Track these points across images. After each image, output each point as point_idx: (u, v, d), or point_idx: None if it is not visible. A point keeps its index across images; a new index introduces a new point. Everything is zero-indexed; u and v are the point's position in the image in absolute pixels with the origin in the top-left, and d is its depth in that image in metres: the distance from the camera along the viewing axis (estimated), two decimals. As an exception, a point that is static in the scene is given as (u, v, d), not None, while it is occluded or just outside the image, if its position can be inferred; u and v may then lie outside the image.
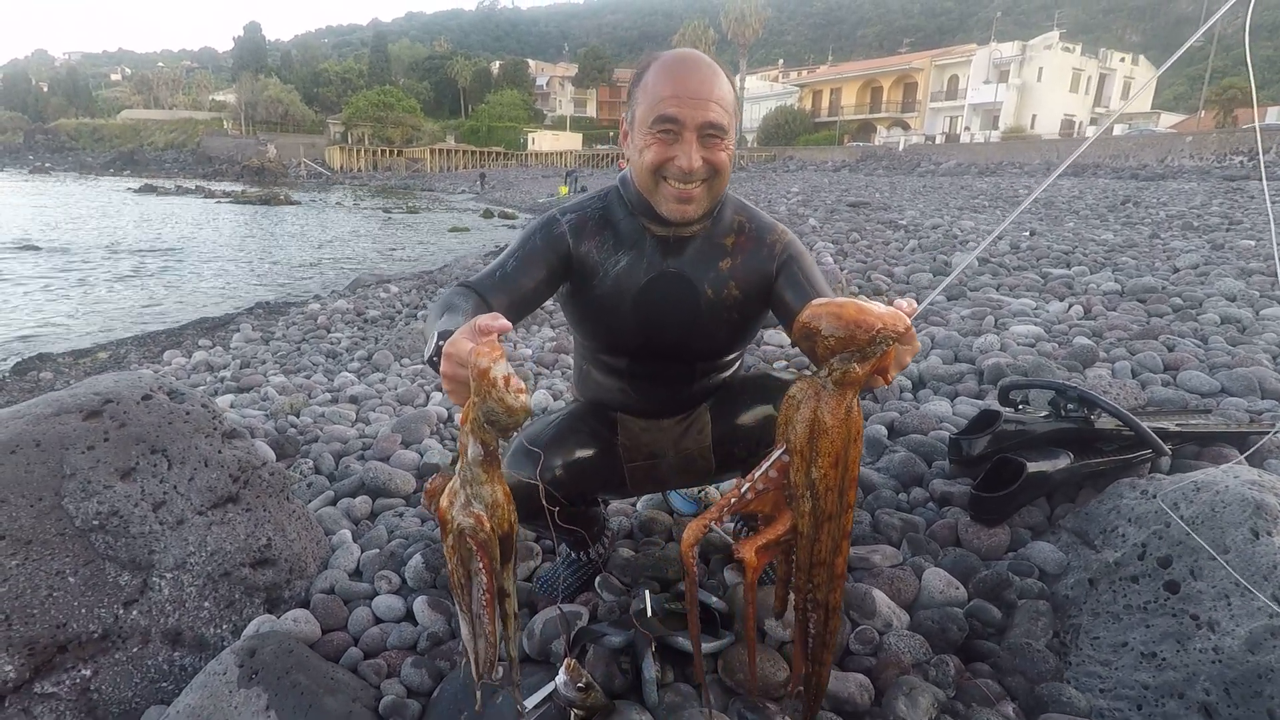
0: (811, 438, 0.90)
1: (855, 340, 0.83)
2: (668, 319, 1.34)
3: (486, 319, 0.86)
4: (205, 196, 27.26)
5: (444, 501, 0.92)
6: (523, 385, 0.81)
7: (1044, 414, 1.91)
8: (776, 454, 0.94)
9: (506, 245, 1.41)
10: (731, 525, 1.50)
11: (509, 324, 0.87)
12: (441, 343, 0.97)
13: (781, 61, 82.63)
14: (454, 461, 0.92)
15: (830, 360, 0.86)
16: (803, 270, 1.33)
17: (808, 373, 0.93)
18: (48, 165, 54.11)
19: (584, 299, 1.35)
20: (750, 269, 1.33)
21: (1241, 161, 18.86)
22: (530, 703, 1.23)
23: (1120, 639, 1.34)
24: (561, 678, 1.18)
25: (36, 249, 11.86)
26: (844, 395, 0.88)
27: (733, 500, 0.94)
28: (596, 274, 1.32)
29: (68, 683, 1.35)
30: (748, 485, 0.94)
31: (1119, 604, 1.40)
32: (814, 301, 0.88)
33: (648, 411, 1.49)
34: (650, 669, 1.28)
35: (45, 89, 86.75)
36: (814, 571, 0.97)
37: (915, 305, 0.90)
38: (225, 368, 4.45)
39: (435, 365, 0.98)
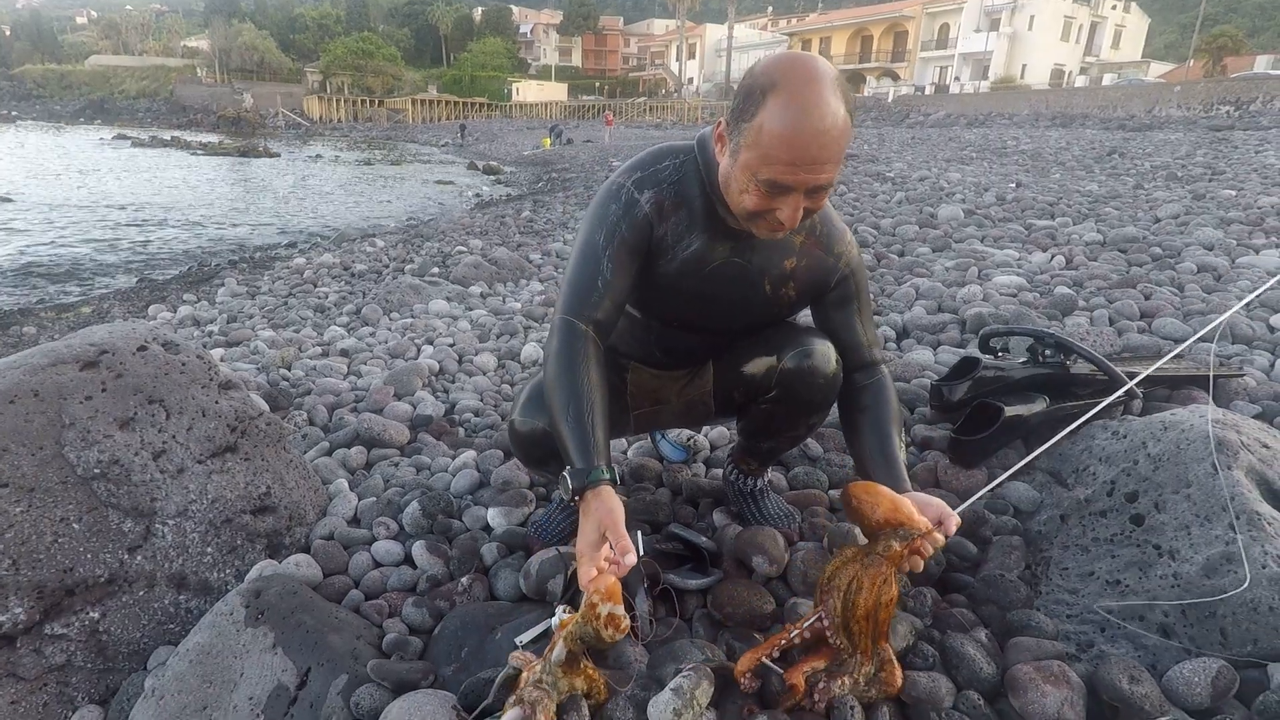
0: (849, 592, 1.12)
1: (890, 525, 1.12)
2: (720, 303, 1.33)
3: (614, 551, 1.04)
4: (181, 147, 26.57)
5: (525, 673, 1.09)
6: (625, 623, 1.01)
7: (1022, 360, 1.96)
8: (816, 614, 1.15)
9: (570, 233, 1.37)
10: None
11: (634, 558, 1.05)
12: (576, 497, 1.11)
13: (771, 9, 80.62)
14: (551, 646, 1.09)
15: (876, 535, 1.13)
16: (857, 290, 1.36)
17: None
18: (14, 114, 52.40)
19: (644, 275, 1.30)
20: (812, 274, 1.33)
21: (1228, 111, 18.83)
22: (524, 639, 1.29)
23: (1088, 569, 1.41)
24: (556, 620, 1.23)
25: (9, 201, 11.58)
26: (881, 565, 1.11)
27: (782, 641, 1.15)
28: (666, 254, 1.28)
29: (77, 624, 1.39)
30: (796, 630, 1.15)
31: (1088, 537, 1.48)
32: (861, 484, 1.15)
33: (663, 365, 1.51)
34: (643, 604, 1.34)
35: (8, 33, 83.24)
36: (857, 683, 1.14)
37: (956, 522, 1.17)
38: (212, 322, 4.43)
39: (574, 499, 1.12)
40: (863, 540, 1.21)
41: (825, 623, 1.14)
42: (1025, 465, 1.81)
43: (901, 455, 1.28)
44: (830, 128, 1.03)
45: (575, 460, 1.12)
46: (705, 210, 1.25)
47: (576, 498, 1.11)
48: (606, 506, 1.08)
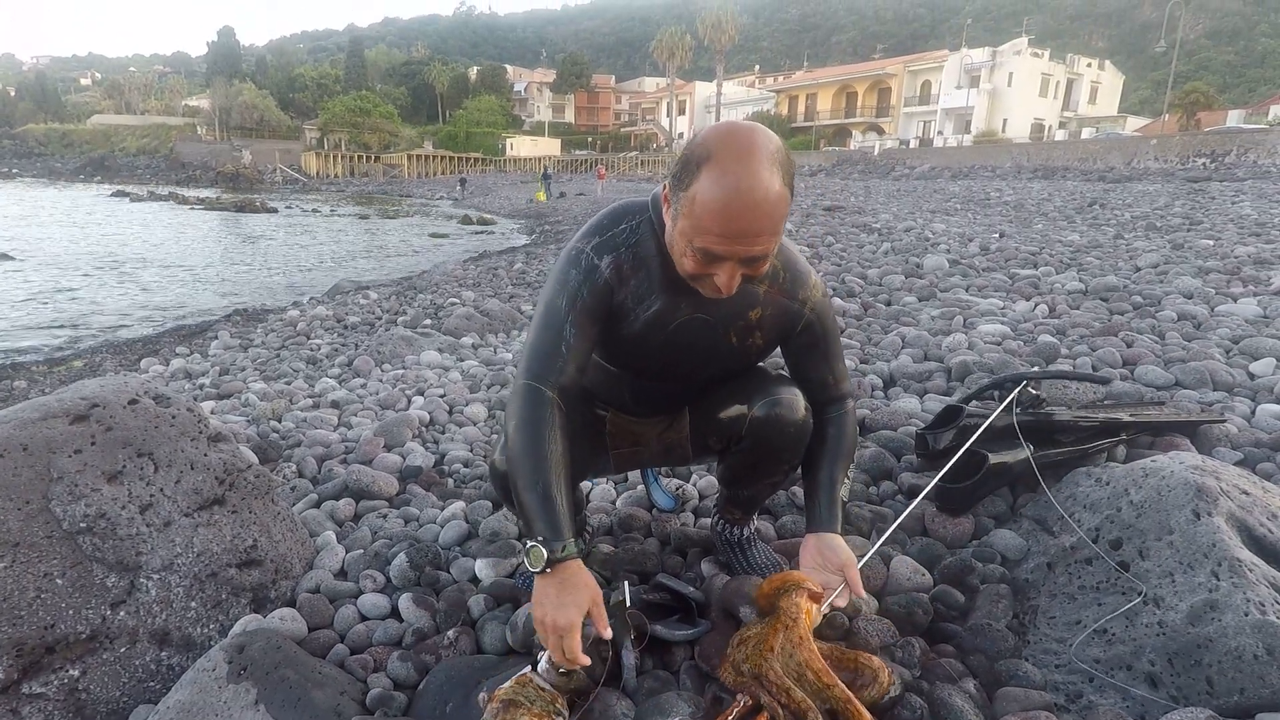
0: (762, 654, 1.20)
1: (775, 588, 1.29)
2: (688, 356, 1.35)
3: (595, 628, 1.16)
4: (179, 203, 26.90)
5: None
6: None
7: (1018, 409, 1.98)
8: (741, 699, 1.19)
9: (539, 294, 1.37)
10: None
11: (610, 633, 1.18)
12: (547, 569, 1.15)
13: (758, 67, 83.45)
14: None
15: (772, 606, 1.26)
16: (824, 332, 1.38)
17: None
18: (15, 171, 53.11)
19: (608, 336, 1.32)
20: (777, 322, 1.34)
21: (1204, 163, 19.38)
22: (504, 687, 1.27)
23: (1075, 617, 1.41)
24: (543, 665, 1.23)
25: (9, 258, 11.66)
26: (777, 622, 1.22)
27: (733, 713, 1.18)
28: (627, 318, 1.29)
29: (56, 683, 1.37)
30: (736, 709, 1.18)
31: (1074, 585, 1.48)
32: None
33: (637, 413, 1.54)
34: (629, 656, 1.33)
35: (12, 93, 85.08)
36: None
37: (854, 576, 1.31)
38: (204, 375, 4.43)
39: (545, 570, 1.16)
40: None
41: (744, 699, 1.16)
42: (1010, 511, 1.83)
43: (843, 493, 1.41)
44: (762, 201, 1.04)
45: (545, 533, 1.14)
46: (663, 269, 1.26)
47: (548, 569, 1.14)
48: (592, 586, 1.16)
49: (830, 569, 1.32)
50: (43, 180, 46.73)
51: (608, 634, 1.15)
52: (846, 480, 1.41)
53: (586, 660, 1.13)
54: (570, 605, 1.11)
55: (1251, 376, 2.63)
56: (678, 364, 1.37)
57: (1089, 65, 49.56)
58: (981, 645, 1.40)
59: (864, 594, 1.33)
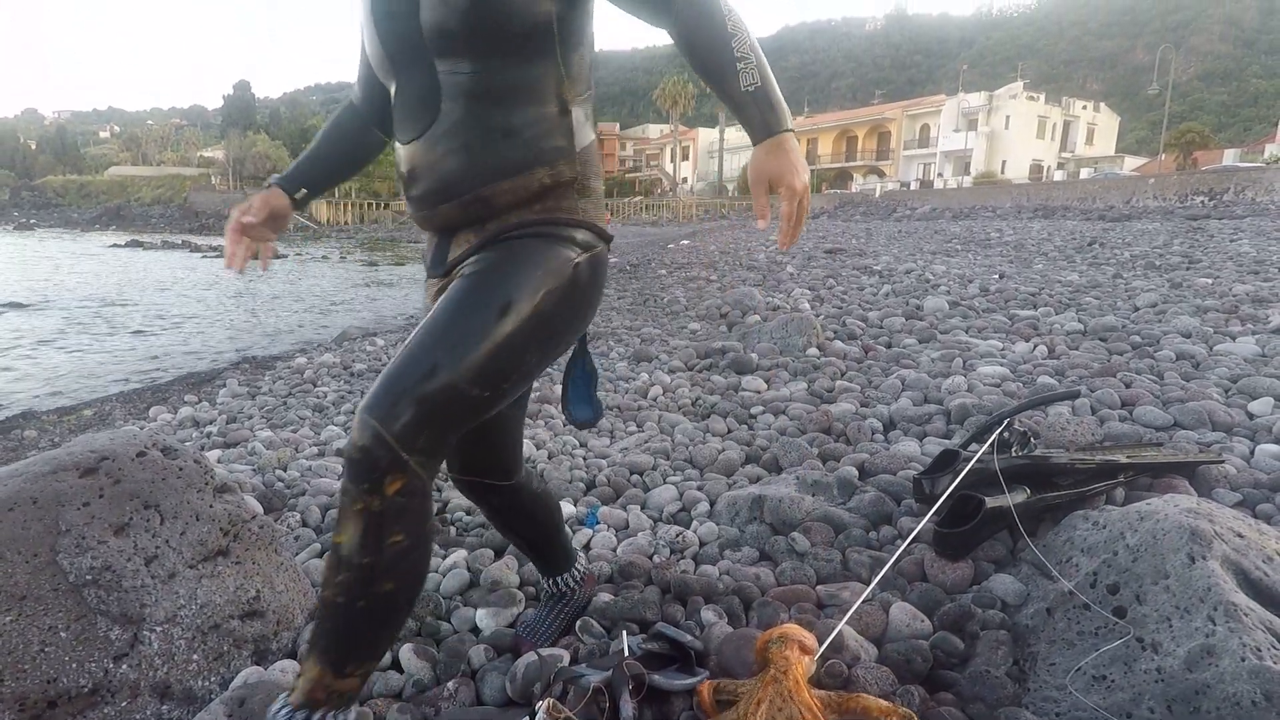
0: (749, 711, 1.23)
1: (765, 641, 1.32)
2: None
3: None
4: (191, 251, 27.36)
5: None
6: None
7: (1017, 450, 2.00)
8: None
9: None
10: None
11: (252, 220, 1.48)
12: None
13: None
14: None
15: (767, 654, 1.28)
16: None
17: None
18: (33, 221, 54.18)
19: None
20: None
21: (1202, 201, 19.56)
22: None
23: (1074, 664, 1.41)
24: (541, 717, 1.23)
25: (22, 306, 11.85)
26: (768, 676, 1.24)
27: None
28: None
29: (56, 738, 1.37)
30: None
31: (1073, 631, 1.48)
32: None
33: (414, 166, 1.32)
34: (628, 707, 1.33)
35: (34, 147, 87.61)
36: None
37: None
38: (212, 423, 4.47)
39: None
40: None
41: None
42: (1010, 556, 1.83)
43: (745, 83, 1.09)
44: None
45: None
46: None
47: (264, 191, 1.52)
48: (270, 193, 1.50)
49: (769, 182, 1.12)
50: (59, 230, 47.65)
51: (247, 218, 1.46)
52: (741, 66, 1.09)
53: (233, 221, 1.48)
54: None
55: (1250, 416, 2.64)
56: (381, 11, 1.24)
57: (1084, 107, 50.51)
58: (981, 693, 1.40)
59: (788, 222, 1.15)
